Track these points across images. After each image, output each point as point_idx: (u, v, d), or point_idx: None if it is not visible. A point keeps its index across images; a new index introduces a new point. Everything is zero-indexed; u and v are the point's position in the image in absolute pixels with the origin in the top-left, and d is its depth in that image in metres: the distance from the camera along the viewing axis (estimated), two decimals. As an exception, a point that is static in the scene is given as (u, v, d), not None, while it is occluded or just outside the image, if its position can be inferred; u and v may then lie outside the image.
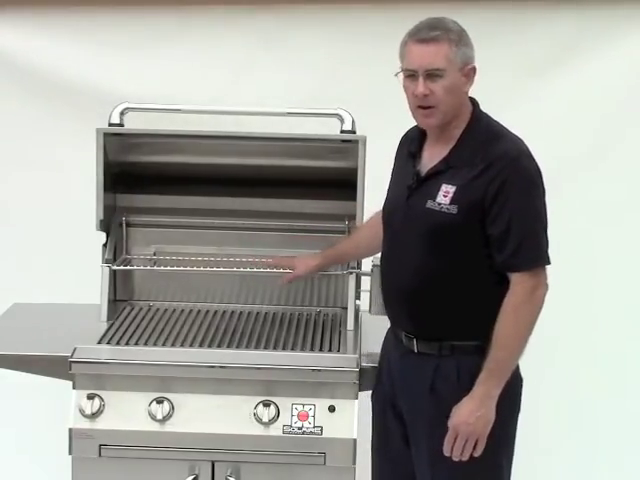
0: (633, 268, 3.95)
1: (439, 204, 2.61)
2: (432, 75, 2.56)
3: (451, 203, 2.59)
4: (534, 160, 2.63)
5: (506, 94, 3.80)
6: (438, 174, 2.64)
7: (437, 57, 2.56)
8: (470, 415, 2.58)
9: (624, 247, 3.93)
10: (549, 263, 2.62)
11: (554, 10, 3.80)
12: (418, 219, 2.65)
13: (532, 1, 3.81)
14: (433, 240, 2.63)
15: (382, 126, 3.31)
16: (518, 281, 2.58)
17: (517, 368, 2.71)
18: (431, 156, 2.70)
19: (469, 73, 2.62)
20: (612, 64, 3.82)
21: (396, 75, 2.65)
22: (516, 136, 2.66)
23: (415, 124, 2.76)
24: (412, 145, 2.77)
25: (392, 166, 2.90)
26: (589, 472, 4.02)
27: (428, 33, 2.57)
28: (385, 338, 2.92)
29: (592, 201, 3.90)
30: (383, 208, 2.85)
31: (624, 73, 3.84)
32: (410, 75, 2.60)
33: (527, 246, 2.57)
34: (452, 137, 2.66)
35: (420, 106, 2.61)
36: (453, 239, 2.61)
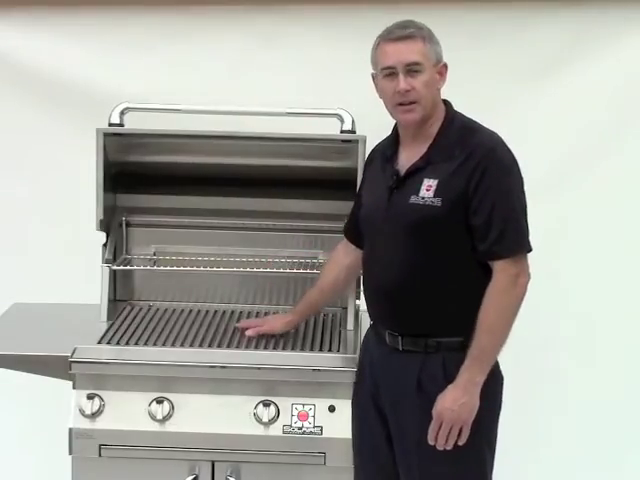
0: (633, 270, 3.94)
1: (423, 198, 2.64)
2: (411, 70, 2.62)
3: (435, 196, 2.62)
4: (510, 150, 2.67)
5: (505, 95, 3.80)
6: (418, 171, 2.68)
7: (414, 52, 2.62)
8: (454, 402, 2.60)
9: (622, 249, 3.92)
10: (531, 250, 2.65)
11: (553, 11, 3.80)
12: (402, 215, 2.67)
13: (531, 2, 3.81)
14: (418, 235, 2.65)
15: (382, 126, 3.31)
16: (501, 268, 2.61)
17: (497, 366, 2.73)
18: (408, 156, 2.73)
19: (442, 70, 2.69)
20: (612, 65, 3.81)
21: (373, 78, 2.71)
22: (490, 129, 2.71)
23: (379, 141, 2.86)
24: (387, 152, 2.80)
25: (360, 182, 2.96)
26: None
27: (402, 31, 2.64)
28: (365, 338, 2.93)
29: (592, 203, 3.90)
30: (360, 216, 2.87)
31: (624, 74, 3.83)
32: (389, 74, 2.64)
33: (509, 233, 2.60)
34: (429, 135, 2.70)
35: (401, 103, 2.64)
36: (438, 232, 2.63)
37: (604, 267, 3.94)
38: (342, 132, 3.23)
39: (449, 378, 2.64)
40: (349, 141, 3.18)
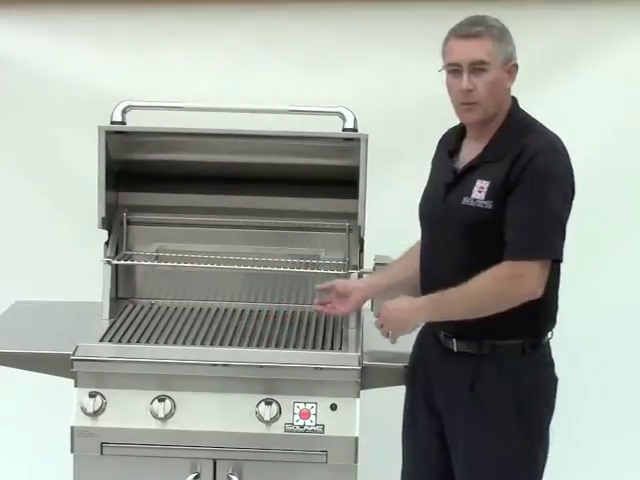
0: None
1: (474, 200, 2.61)
2: (476, 69, 2.57)
3: (486, 198, 2.59)
4: (562, 156, 2.62)
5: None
6: (473, 170, 2.65)
7: (480, 51, 2.57)
8: (393, 305, 2.76)
9: (624, 250, 3.92)
10: (548, 258, 2.59)
11: (554, 11, 3.80)
12: (455, 216, 2.65)
13: (531, 2, 3.80)
14: (470, 236, 2.62)
15: (384, 124, 3.31)
16: (510, 259, 2.56)
17: (552, 368, 2.72)
18: (469, 152, 2.70)
19: (511, 70, 2.64)
20: (613, 65, 3.81)
21: (439, 71, 2.66)
22: (549, 131, 2.66)
23: (451, 126, 2.80)
24: (449, 145, 2.77)
25: (430, 169, 2.90)
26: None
27: (470, 28, 2.59)
28: (421, 338, 2.89)
29: (597, 203, 3.88)
30: (419, 207, 2.84)
31: (625, 74, 3.83)
32: (453, 70, 2.61)
33: (525, 235, 2.55)
34: (489, 133, 2.66)
35: (463, 102, 2.61)
36: (490, 235, 2.60)
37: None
38: (344, 130, 3.22)
39: (502, 382, 2.62)
40: (351, 139, 3.17)
